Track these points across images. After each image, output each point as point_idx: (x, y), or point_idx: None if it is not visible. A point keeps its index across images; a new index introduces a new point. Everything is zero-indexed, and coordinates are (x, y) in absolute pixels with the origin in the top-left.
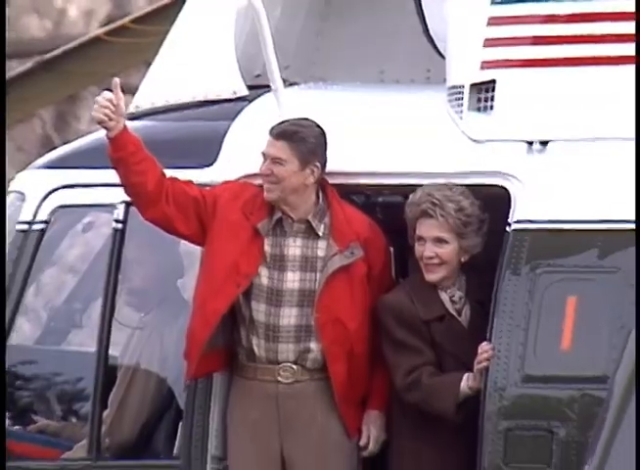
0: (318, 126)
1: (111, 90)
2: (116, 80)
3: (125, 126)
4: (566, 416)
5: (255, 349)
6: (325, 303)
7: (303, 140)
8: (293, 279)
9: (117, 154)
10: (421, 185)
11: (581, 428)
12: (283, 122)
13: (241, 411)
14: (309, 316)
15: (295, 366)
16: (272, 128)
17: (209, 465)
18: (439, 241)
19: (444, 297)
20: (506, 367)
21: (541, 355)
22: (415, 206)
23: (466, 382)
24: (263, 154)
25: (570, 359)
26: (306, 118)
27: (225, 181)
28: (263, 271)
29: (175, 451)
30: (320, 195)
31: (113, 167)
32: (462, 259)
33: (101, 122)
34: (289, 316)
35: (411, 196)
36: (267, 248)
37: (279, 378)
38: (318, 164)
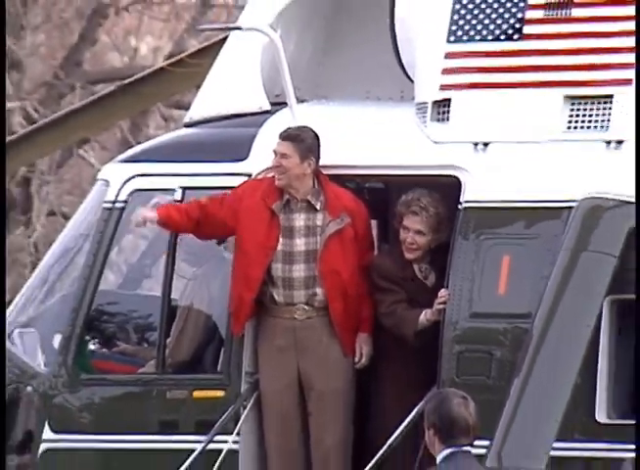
0: (313, 131)
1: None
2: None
3: (159, 215)
4: (501, 342)
5: (276, 296)
6: (325, 259)
7: (303, 141)
8: (300, 243)
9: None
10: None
11: (512, 351)
12: (288, 128)
13: (267, 340)
14: (314, 269)
15: (306, 306)
16: (281, 132)
17: (244, 378)
18: (419, 232)
19: (415, 266)
20: (458, 307)
21: (484, 298)
22: (406, 205)
23: (424, 316)
24: (274, 151)
25: (504, 301)
26: (305, 126)
27: (246, 181)
28: (279, 240)
29: (219, 368)
30: (315, 181)
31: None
32: (432, 246)
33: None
34: (299, 270)
35: (404, 196)
36: (280, 222)
37: (295, 316)
38: (313, 158)
